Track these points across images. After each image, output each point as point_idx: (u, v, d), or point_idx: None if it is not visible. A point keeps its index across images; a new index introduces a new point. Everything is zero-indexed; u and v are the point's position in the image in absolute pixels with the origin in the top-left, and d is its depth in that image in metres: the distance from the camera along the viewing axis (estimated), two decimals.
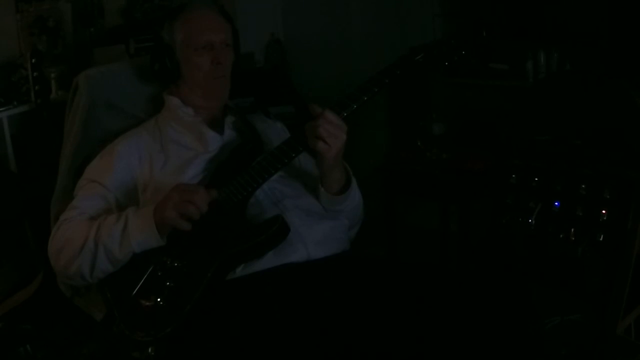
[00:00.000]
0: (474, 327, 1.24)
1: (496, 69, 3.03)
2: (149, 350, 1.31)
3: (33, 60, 2.68)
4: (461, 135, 2.87)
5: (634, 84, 2.29)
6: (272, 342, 1.19)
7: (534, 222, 1.97)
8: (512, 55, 3.00)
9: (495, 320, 1.26)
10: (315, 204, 1.52)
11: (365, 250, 1.62)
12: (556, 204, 1.97)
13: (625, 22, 2.73)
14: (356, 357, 1.21)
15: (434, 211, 2.76)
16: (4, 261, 2.58)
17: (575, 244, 1.91)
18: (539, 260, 1.99)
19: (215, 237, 1.39)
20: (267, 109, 1.78)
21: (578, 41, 2.83)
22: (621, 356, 1.85)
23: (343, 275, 1.39)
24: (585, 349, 1.86)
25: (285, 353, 1.18)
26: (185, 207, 1.33)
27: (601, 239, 1.87)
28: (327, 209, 1.52)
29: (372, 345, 1.22)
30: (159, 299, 1.33)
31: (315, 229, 1.45)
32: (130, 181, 1.51)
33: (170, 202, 1.34)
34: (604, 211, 1.88)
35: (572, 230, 1.92)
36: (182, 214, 1.33)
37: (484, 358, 1.22)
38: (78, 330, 2.09)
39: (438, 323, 1.25)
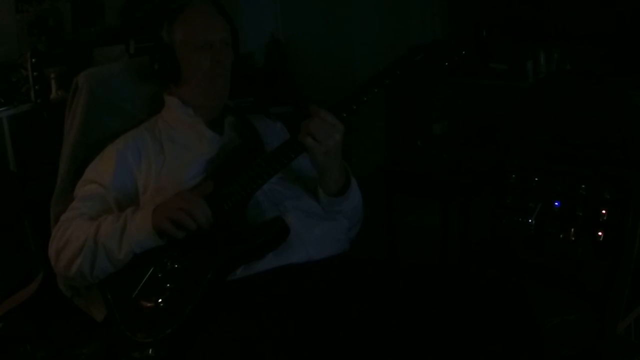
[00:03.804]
0: (474, 328, 1.24)
1: (496, 69, 3.03)
2: (149, 351, 1.31)
3: (33, 60, 2.68)
4: (461, 135, 2.87)
5: (634, 84, 2.29)
6: (272, 344, 1.19)
7: (534, 222, 1.97)
8: (512, 55, 3.00)
9: (495, 320, 1.26)
10: (315, 205, 1.52)
11: (365, 250, 1.62)
12: (556, 204, 1.97)
13: (626, 22, 2.73)
14: (356, 357, 1.21)
15: (434, 211, 2.76)
16: (4, 261, 2.58)
17: (575, 244, 1.91)
18: (539, 260, 1.99)
19: (215, 238, 1.38)
20: (267, 109, 1.78)
21: (578, 41, 2.83)
22: (621, 356, 1.85)
23: (343, 276, 1.39)
24: (585, 349, 1.85)
25: (285, 354, 1.18)
26: (181, 217, 1.33)
27: (601, 239, 1.87)
28: (326, 209, 1.52)
29: (372, 346, 1.22)
30: (159, 300, 1.33)
31: (315, 230, 1.45)
32: (130, 182, 1.50)
33: (168, 209, 1.34)
34: (604, 211, 1.88)
35: (572, 230, 1.92)
36: (177, 223, 1.33)
37: (484, 358, 1.22)
38: (78, 330, 2.09)
39: (438, 323, 1.25)
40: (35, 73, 2.67)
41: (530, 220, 1.98)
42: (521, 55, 2.94)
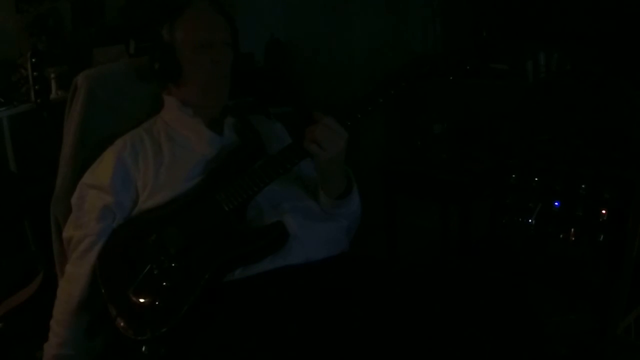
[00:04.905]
0: (474, 328, 1.24)
1: (496, 69, 3.03)
2: (143, 349, 1.31)
3: (33, 60, 2.68)
4: (461, 135, 2.87)
5: (634, 84, 2.29)
6: (271, 345, 1.19)
7: (534, 222, 1.98)
8: (512, 55, 2.99)
9: (495, 320, 1.26)
10: (314, 206, 1.51)
11: (365, 250, 1.62)
12: (556, 204, 1.97)
13: (626, 23, 2.73)
14: (356, 358, 1.21)
15: (434, 211, 2.76)
16: (4, 261, 2.58)
17: (575, 244, 1.91)
18: (539, 260, 1.99)
19: (214, 239, 1.38)
20: (267, 109, 1.78)
21: (578, 41, 2.83)
22: (621, 356, 1.85)
23: (342, 277, 1.39)
24: (585, 349, 1.85)
25: (284, 356, 1.18)
26: None
27: (601, 239, 1.87)
28: (325, 210, 1.52)
29: (372, 347, 1.22)
30: (155, 299, 1.33)
31: (314, 231, 1.44)
32: (130, 183, 1.49)
33: None
34: (604, 211, 1.88)
35: (572, 230, 1.93)
36: None
37: (484, 358, 1.22)
38: None
39: (437, 323, 1.25)
40: (35, 73, 2.66)
41: (530, 220, 1.98)
42: (521, 55, 2.93)
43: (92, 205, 1.48)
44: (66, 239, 1.50)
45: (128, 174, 1.50)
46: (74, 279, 1.45)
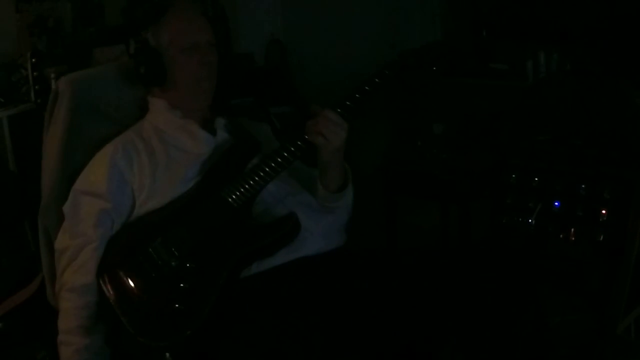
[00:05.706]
0: (474, 327, 1.24)
1: (496, 69, 3.03)
2: (167, 355, 1.29)
3: (33, 60, 2.68)
4: (461, 135, 2.87)
5: (634, 84, 2.29)
6: (294, 337, 1.20)
7: (534, 222, 1.97)
8: (512, 55, 3.00)
9: (495, 320, 1.26)
10: (313, 200, 1.53)
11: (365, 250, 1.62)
12: (556, 204, 1.97)
13: (625, 22, 2.73)
14: (377, 348, 1.22)
15: (434, 211, 2.76)
16: (4, 261, 2.58)
17: (575, 244, 1.91)
18: (539, 260, 1.99)
19: (227, 236, 1.38)
20: (267, 109, 1.78)
21: (578, 41, 2.83)
22: (621, 356, 1.85)
23: (355, 268, 1.43)
24: (585, 349, 1.85)
25: (305, 349, 1.19)
26: None
27: (601, 239, 1.87)
28: (323, 205, 1.53)
29: (377, 342, 1.23)
30: (174, 302, 1.31)
31: (320, 223, 1.47)
32: (127, 186, 1.47)
33: None
34: (604, 211, 1.88)
35: (572, 230, 1.92)
36: None
37: (484, 358, 1.22)
38: None
39: (439, 323, 1.26)
40: (35, 73, 2.67)
41: (530, 220, 1.98)
42: (521, 55, 2.94)
43: (88, 212, 1.44)
44: (60, 249, 1.45)
45: (123, 178, 1.47)
46: (82, 289, 1.39)
